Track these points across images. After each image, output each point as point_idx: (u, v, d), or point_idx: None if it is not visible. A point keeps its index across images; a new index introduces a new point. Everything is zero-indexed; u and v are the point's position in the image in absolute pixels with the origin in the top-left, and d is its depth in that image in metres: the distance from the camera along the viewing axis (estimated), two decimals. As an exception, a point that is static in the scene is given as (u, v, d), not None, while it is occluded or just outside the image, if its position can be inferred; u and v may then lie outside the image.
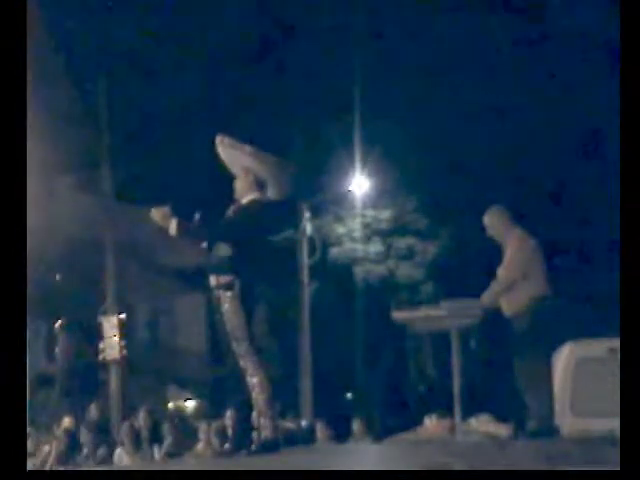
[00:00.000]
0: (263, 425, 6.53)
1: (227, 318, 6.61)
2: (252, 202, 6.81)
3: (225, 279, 6.63)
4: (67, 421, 13.50)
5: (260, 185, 6.87)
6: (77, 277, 20.04)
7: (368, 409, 20.82)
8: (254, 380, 6.56)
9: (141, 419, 13.05)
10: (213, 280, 6.71)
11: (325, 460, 6.25)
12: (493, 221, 8.01)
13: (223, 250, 6.66)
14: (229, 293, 6.61)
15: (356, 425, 12.56)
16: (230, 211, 6.87)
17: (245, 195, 6.85)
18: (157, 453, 12.06)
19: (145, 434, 12.48)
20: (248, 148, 6.91)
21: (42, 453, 12.79)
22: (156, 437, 12.53)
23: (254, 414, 6.60)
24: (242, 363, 6.58)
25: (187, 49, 20.89)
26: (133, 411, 14.51)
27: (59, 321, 14.67)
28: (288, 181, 7.05)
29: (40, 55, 14.27)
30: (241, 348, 6.58)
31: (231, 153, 6.92)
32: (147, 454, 12.26)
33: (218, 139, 6.93)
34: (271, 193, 6.94)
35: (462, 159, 22.23)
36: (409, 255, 23.85)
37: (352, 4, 22.46)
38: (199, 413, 21.69)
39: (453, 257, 23.00)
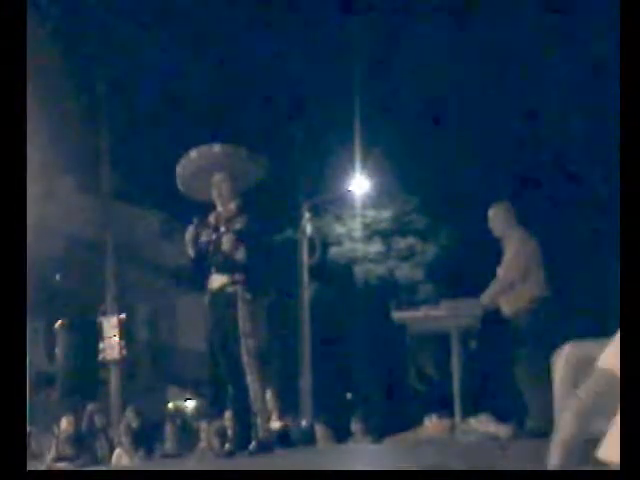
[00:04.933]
0: (259, 426, 6.55)
1: (240, 314, 6.61)
2: (241, 206, 6.84)
3: (242, 275, 6.65)
4: (65, 421, 13.50)
5: (243, 187, 6.92)
6: (77, 277, 20.05)
7: (368, 409, 20.81)
8: (254, 380, 6.56)
9: (129, 418, 13.09)
10: (226, 277, 6.70)
11: (325, 460, 6.25)
12: (497, 216, 8.00)
13: (237, 248, 6.68)
14: (245, 289, 6.63)
15: (356, 425, 12.56)
16: (221, 216, 6.86)
17: (232, 200, 6.86)
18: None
19: (134, 432, 12.52)
20: (219, 147, 6.95)
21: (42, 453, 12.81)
22: (146, 435, 12.56)
23: (252, 414, 6.61)
24: (246, 361, 6.58)
25: (188, 50, 20.90)
26: (124, 411, 14.56)
27: (59, 321, 14.65)
28: (263, 171, 7.10)
29: (40, 56, 14.27)
30: (249, 345, 6.59)
31: (205, 161, 6.92)
32: (141, 453, 12.28)
33: (185, 157, 6.97)
34: (243, 185, 6.98)
35: (462, 159, 22.23)
36: (409, 255, 23.86)
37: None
38: (199, 413, 21.69)
39: (453, 257, 23.01)
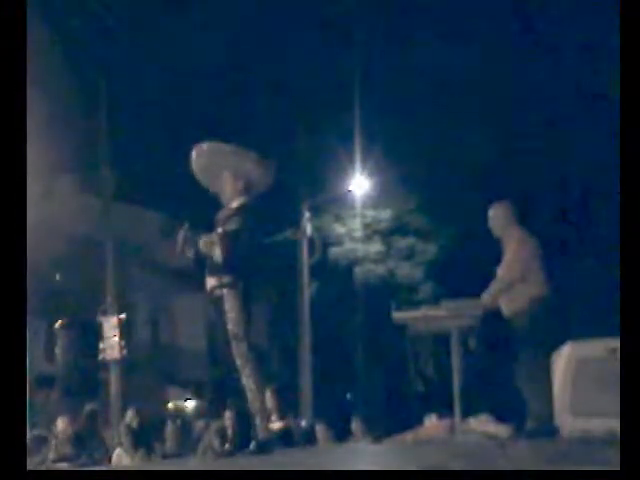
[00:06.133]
0: (258, 427, 6.54)
1: (229, 317, 6.60)
2: (243, 206, 6.81)
3: (228, 278, 6.62)
4: (61, 422, 13.51)
5: (248, 189, 6.88)
6: (77, 277, 20.04)
7: (368, 409, 20.82)
8: (250, 381, 6.55)
9: (129, 418, 13.08)
10: (215, 280, 6.69)
11: (325, 460, 6.24)
12: (497, 215, 7.99)
13: (224, 251, 6.65)
14: (232, 292, 6.60)
15: (356, 425, 12.56)
16: (222, 215, 6.85)
17: (235, 199, 6.84)
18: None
19: (134, 432, 12.53)
20: (230, 147, 6.93)
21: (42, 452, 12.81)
22: (146, 435, 12.57)
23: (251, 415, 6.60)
24: (240, 363, 6.57)
25: (187, 50, 20.89)
26: (124, 411, 14.55)
27: (59, 321, 14.65)
28: (271, 177, 7.07)
29: (40, 55, 14.26)
30: (240, 348, 6.57)
31: (214, 158, 6.90)
32: (140, 453, 12.28)
33: (197, 148, 6.94)
34: (256, 190, 6.95)
35: (462, 158, 22.23)
36: (409, 255, 23.86)
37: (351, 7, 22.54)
38: (199, 413, 21.69)
39: (453, 257, 23.01)
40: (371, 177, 22.76)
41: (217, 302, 6.69)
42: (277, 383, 6.57)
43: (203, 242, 6.73)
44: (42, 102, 14.85)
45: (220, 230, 6.76)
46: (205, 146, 6.97)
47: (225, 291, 6.63)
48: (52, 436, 13.06)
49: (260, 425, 6.55)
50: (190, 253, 6.81)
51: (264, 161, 7.01)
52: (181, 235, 6.83)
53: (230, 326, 6.59)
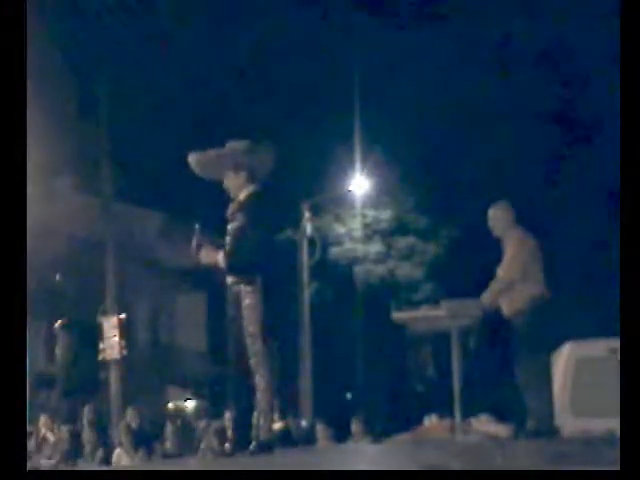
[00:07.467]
0: (262, 426, 6.53)
1: (246, 314, 6.57)
2: (250, 195, 6.78)
3: (245, 275, 6.60)
4: (43, 419, 13.52)
5: (252, 177, 6.84)
6: (77, 277, 20.04)
7: (368, 409, 20.80)
8: (262, 381, 6.52)
9: (129, 418, 13.09)
10: (232, 277, 6.67)
11: (325, 460, 6.24)
12: (497, 216, 7.99)
13: (240, 247, 6.64)
14: (250, 288, 6.58)
15: (356, 425, 12.54)
16: (230, 210, 6.84)
17: (241, 191, 6.82)
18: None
19: (134, 432, 12.54)
20: (216, 151, 6.90)
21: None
22: (146, 435, 12.56)
23: (255, 414, 6.58)
24: (254, 362, 6.55)
25: (187, 50, 20.89)
26: (124, 411, 14.56)
27: (59, 321, 14.64)
28: (271, 158, 7.04)
29: (40, 55, 14.26)
30: (256, 347, 6.54)
31: (208, 163, 6.89)
32: (140, 453, 12.28)
33: (190, 159, 6.92)
34: (261, 174, 6.92)
35: (462, 159, 22.23)
36: (409, 255, 23.85)
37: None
38: (199, 413, 21.68)
39: (453, 257, 22.99)
40: (371, 177, 22.76)
41: (236, 299, 6.67)
42: (278, 383, 6.53)
43: (205, 253, 6.73)
44: (42, 102, 14.84)
45: (229, 227, 6.76)
46: (196, 156, 6.91)
47: (242, 287, 6.62)
48: (35, 432, 13.09)
49: (263, 425, 6.54)
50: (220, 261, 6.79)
51: (258, 146, 6.97)
52: (195, 240, 6.82)
53: (246, 323, 6.57)
